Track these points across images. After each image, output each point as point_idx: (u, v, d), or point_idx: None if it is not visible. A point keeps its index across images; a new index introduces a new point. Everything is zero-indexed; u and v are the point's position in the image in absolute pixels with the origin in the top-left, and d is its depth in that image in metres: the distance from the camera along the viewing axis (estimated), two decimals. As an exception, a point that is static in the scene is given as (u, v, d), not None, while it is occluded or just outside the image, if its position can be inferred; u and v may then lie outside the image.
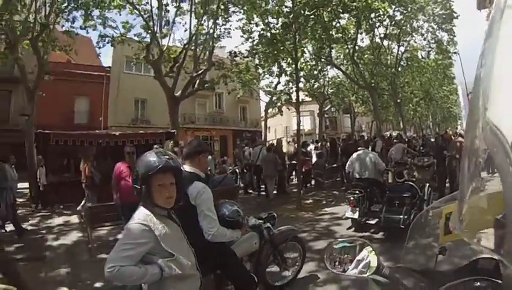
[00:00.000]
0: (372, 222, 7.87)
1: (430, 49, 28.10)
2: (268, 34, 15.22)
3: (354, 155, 9.24)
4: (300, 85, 22.81)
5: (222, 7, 17.63)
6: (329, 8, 15.44)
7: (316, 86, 30.03)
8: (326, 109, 35.09)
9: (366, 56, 26.60)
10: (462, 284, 1.36)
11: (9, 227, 9.52)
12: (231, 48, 21.94)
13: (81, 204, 10.19)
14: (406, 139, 20.33)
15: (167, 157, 2.45)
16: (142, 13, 17.36)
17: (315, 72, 26.81)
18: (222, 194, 7.54)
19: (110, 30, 18.98)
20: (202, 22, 18.04)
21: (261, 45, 17.33)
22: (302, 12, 12.68)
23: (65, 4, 17.30)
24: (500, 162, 0.92)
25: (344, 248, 1.71)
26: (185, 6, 18.47)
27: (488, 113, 0.96)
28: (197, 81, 18.58)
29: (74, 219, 11.16)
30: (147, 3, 17.39)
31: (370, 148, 12.03)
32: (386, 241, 7.16)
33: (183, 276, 2.42)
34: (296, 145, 15.75)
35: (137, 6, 17.26)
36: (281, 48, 14.24)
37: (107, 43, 18.91)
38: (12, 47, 15.02)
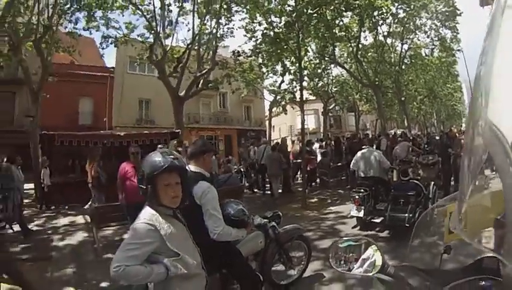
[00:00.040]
0: (377, 220, 7.86)
1: (433, 46, 28.02)
2: (272, 33, 15.20)
3: (359, 154, 9.25)
4: (304, 84, 22.82)
5: (225, 7, 17.60)
6: (332, 7, 15.45)
7: (320, 84, 29.97)
8: (330, 107, 35.04)
9: (369, 54, 26.52)
10: (467, 283, 1.36)
11: (16, 227, 9.55)
12: (234, 47, 21.96)
13: (88, 204, 10.23)
14: (411, 138, 20.28)
15: (172, 157, 2.46)
16: (145, 13, 17.37)
17: (319, 71, 26.76)
18: (227, 193, 7.57)
19: (113, 31, 18.96)
20: (205, 21, 18.01)
21: (265, 44, 17.33)
22: (305, 11, 12.64)
23: (68, 6, 17.34)
24: (500, 162, 0.92)
25: (349, 246, 1.71)
26: (188, 6, 18.47)
27: (488, 113, 0.97)
28: (201, 81, 18.59)
29: (80, 219, 11.19)
30: (150, 3, 17.39)
31: (374, 147, 12.01)
32: (391, 239, 7.15)
33: (189, 275, 2.43)
34: (300, 144, 15.73)
35: (140, 7, 17.27)
36: (285, 46, 14.24)
37: (111, 43, 18.92)
38: (15, 49, 15.08)
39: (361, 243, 1.69)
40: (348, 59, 27.73)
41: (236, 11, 18.42)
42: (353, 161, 9.44)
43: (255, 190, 15.96)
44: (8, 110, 27.59)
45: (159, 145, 8.56)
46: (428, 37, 27.05)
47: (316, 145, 17.97)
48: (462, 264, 1.57)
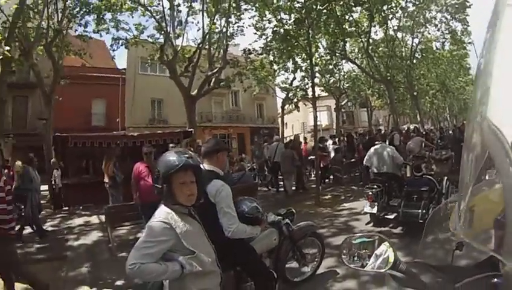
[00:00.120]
0: (391, 216, 7.82)
1: (444, 40, 27.71)
2: (282, 30, 15.16)
3: (372, 150, 9.20)
4: (316, 80, 22.75)
5: (234, 5, 17.61)
6: (342, 2, 15.35)
7: (331, 80, 29.88)
8: (342, 103, 34.84)
9: (380, 49, 26.30)
10: (479, 281, 1.36)
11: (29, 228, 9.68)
12: (245, 46, 22.05)
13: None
14: (424, 132, 20.13)
15: (187, 155, 2.49)
16: (154, 14, 17.49)
17: (330, 67, 26.68)
18: (241, 191, 7.57)
19: (123, 33, 19.11)
20: (215, 20, 18.06)
21: (275, 42, 17.26)
22: (314, 7, 12.59)
23: (77, 9, 17.50)
24: (500, 162, 0.93)
25: (362, 243, 1.72)
26: (197, 5, 18.57)
27: (488, 113, 0.97)
28: (213, 80, 18.61)
29: (94, 219, 11.32)
30: (159, 4, 17.51)
31: (387, 142, 11.95)
32: (404, 236, 7.13)
33: (204, 272, 2.46)
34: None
35: (149, 8, 17.37)
36: (295, 43, 14.20)
37: (121, 45, 19.11)
38: (26, 54, 15.22)
39: (374, 240, 1.69)
40: (359, 54, 27.54)
41: (246, 9, 18.44)
42: (366, 156, 9.39)
43: (269, 188, 15.97)
44: (21, 113, 27.99)
45: (171, 145, 8.71)
46: (438, 30, 26.78)
47: (330, 142, 17.90)
48: (474, 260, 1.55)
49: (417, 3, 23.38)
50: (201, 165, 2.72)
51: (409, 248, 5.09)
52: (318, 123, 13.53)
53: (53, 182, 13.21)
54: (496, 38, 1.00)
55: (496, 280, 1.32)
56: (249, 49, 20.52)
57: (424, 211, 6.89)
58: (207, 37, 18.01)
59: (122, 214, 8.37)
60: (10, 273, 5.03)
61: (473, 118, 1.10)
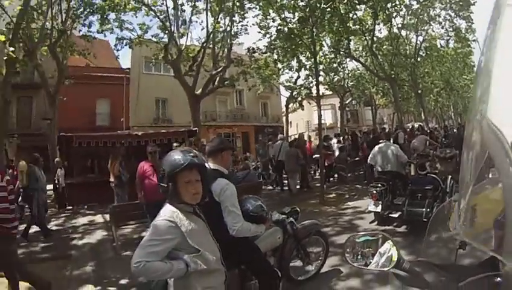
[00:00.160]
0: (395, 215, 7.80)
1: (448, 37, 27.65)
2: (286, 29, 15.13)
3: (376, 148, 9.18)
4: (320, 79, 22.71)
5: (238, 4, 17.56)
6: (345, 0, 15.34)
7: (335, 79, 29.86)
8: (347, 102, 34.82)
9: (384, 47, 26.28)
10: (482, 280, 1.36)
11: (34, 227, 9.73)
12: (249, 44, 22.03)
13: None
14: (428, 131, 20.08)
15: (192, 154, 2.50)
16: (158, 14, 17.50)
17: (334, 65, 26.64)
18: (245, 190, 7.57)
19: (127, 32, 19.13)
20: (219, 19, 18.03)
21: (279, 40, 17.24)
22: (318, 5, 12.55)
23: (81, 9, 17.55)
24: (500, 162, 0.93)
25: (366, 241, 1.72)
26: (201, 5, 18.60)
27: (488, 113, 0.97)
28: (217, 79, 18.64)
29: (99, 218, 11.35)
30: (163, 4, 17.50)
31: (392, 141, 11.94)
32: (409, 234, 7.11)
33: (209, 271, 2.47)
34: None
35: (153, 8, 17.38)
36: (299, 42, 14.18)
37: (125, 45, 19.13)
38: (31, 54, 15.28)
39: (377, 238, 1.69)
40: (363, 52, 27.54)
41: (250, 8, 18.38)
42: (370, 155, 9.39)
43: (274, 186, 15.98)
44: (26, 113, 28.11)
45: (175, 144, 8.72)
46: (442, 28, 26.76)
47: (334, 141, 17.88)
48: (478, 259, 1.55)
49: (421, 0, 23.33)
50: (206, 164, 2.73)
51: (413, 246, 5.08)
52: (322, 122, 13.54)
53: (56, 181, 13.23)
54: (496, 38, 1.01)
55: (499, 279, 1.31)
56: (253, 48, 20.52)
57: (428, 209, 6.88)
58: (211, 36, 18.03)
59: (126, 213, 8.39)
60: (14, 273, 5.06)
61: (473, 117, 1.10)
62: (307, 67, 20.63)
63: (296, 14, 14.31)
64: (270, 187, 15.93)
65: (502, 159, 0.91)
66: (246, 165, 14.65)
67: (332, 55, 24.62)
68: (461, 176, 1.19)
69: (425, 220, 6.60)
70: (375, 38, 23.66)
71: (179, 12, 18.35)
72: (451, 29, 26.48)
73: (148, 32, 18.99)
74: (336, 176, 16.45)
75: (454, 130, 25.14)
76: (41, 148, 15.73)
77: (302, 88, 26.67)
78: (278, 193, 14.52)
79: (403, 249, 1.61)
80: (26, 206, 11.43)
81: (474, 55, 32.50)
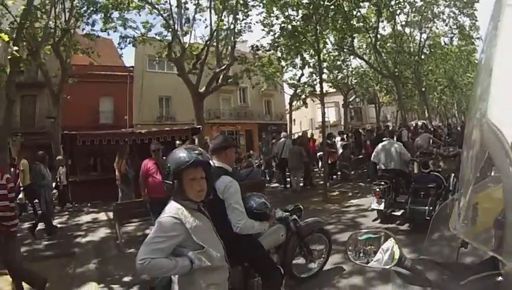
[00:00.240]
0: (398, 213, 7.80)
1: (452, 35, 27.62)
2: (289, 27, 15.11)
3: (379, 146, 9.17)
4: (324, 76, 22.70)
5: (241, 2, 17.51)
6: (349, -3, 15.34)
7: (339, 76, 29.78)
8: (350, 99, 34.71)
9: (388, 44, 26.22)
10: (484, 278, 1.36)
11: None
12: (253, 42, 21.90)
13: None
14: (432, 129, 20.05)
15: (197, 152, 2.52)
16: (162, 12, 17.44)
17: (338, 63, 26.65)
18: (249, 187, 7.60)
19: (130, 31, 19.17)
20: (222, 17, 17.99)
21: (283, 38, 17.25)
22: (322, 3, 12.54)
23: (84, 8, 17.57)
24: (500, 162, 0.93)
25: (368, 239, 1.72)
26: (204, 3, 18.53)
27: (488, 113, 0.97)
28: (221, 77, 18.61)
29: (102, 216, 11.41)
30: (166, 2, 17.47)
31: (395, 139, 11.93)
32: (411, 232, 7.10)
33: (213, 267, 2.48)
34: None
35: (156, 6, 17.34)
36: (303, 39, 14.18)
37: (129, 43, 19.11)
38: (34, 53, 15.31)
39: (380, 236, 1.68)
40: (367, 50, 27.46)
41: (253, 6, 18.33)
42: (374, 153, 9.37)
43: (277, 184, 16.00)
44: (30, 112, 28.16)
45: (177, 142, 8.77)
46: (446, 25, 26.71)
47: (338, 138, 17.86)
48: (479, 258, 1.55)
49: (425, -2, 23.27)
50: (210, 162, 2.74)
51: (416, 244, 5.07)
52: (326, 119, 13.51)
53: (58, 179, 13.27)
54: (496, 37, 1.01)
55: (500, 278, 1.32)
56: (257, 46, 20.51)
57: (431, 207, 6.86)
58: (215, 34, 17.99)
59: (130, 210, 8.44)
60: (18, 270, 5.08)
61: (473, 116, 1.10)
62: (311, 64, 20.71)
63: (300, 11, 14.30)
64: (274, 185, 15.93)
65: (502, 159, 0.91)
66: (250, 162, 14.67)
67: (336, 53, 24.64)
68: (461, 175, 1.19)
69: (428, 218, 6.59)
70: (378, 36, 23.61)
71: (183, 11, 18.33)
72: (455, 27, 26.45)
73: (151, 31, 18.94)
74: (339, 173, 16.43)
75: (458, 128, 25.09)
76: (45, 147, 15.68)
77: (306, 86, 26.66)
78: (281, 191, 14.54)
79: (405, 247, 1.60)
80: (29, 204, 11.59)
81: (478, 53, 32.34)
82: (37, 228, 9.42)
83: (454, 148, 11.22)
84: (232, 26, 18.43)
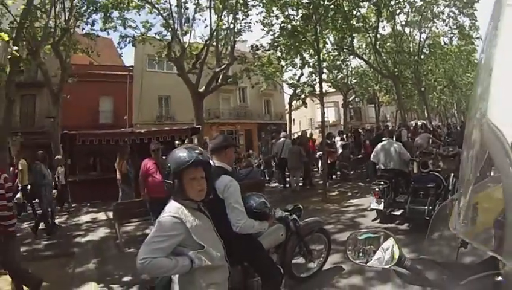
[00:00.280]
0: (397, 213, 7.81)
1: (452, 35, 27.58)
2: (289, 26, 15.11)
3: (379, 146, 9.18)
4: (324, 76, 22.69)
5: (241, 1, 17.50)
6: (349, -3, 15.35)
7: (339, 76, 29.75)
8: (350, 99, 34.69)
9: (388, 44, 26.20)
10: (484, 278, 1.35)
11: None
12: (252, 42, 21.86)
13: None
14: (431, 129, 20.06)
15: (198, 152, 2.53)
16: (162, 12, 17.43)
17: (338, 63, 26.60)
18: (249, 187, 7.61)
19: (130, 30, 19.19)
20: (222, 17, 17.98)
21: (282, 38, 17.26)
22: (322, 2, 12.56)
23: (84, 8, 17.57)
24: (500, 162, 0.93)
25: (368, 238, 1.72)
26: (204, 2, 18.49)
27: (488, 112, 0.97)
28: (220, 76, 18.58)
29: (101, 215, 11.41)
30: (166, 1, 17.45)
31: (394, 138, 11.94)
32: (411, 232, 7.11)
33: (213, 267, 2.49)
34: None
35: (156, 6, 17.33)
36: (303, 39, 14.20)
37: (128, 43, 19.10)
38: (34, 53, 15.30)
39: (379, 235, 1.68)
40: (367, 50, 27.44)
41: (253, 6, 18.33)
42: (373, 153, 9.38)
43: (276, 184, 16.01)
44: (29, 112, 28.14)
45: (177, 142, 8.78)
46: (446, 25, 26.66)
47: (337, 138, 17.86)
48: (479, 258, 1.54)
49: (424, -3, 23.27)
50: (210, 161, 2.74)
51: (415, 244, 5.08)
52: (325, 119, 13.52)
53: (56, 179, 13.26)
54: (496, 38, 1.01)
55: (500, 278, 1.32)
56: (257, 46, 20.52)
57: (430, 207, 6.86)
58: (214, 33, 17.97)
59: (129, 210, 8.44)
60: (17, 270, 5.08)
61: (473, 115, 1.10)
62: (310, 64, 20.71)
63: (300, 11, 14.30)
64: (273, 185, 15.94)
65: (502, 159, 0.91)
66: (249, 162, 14.67)
67: (336, 53, 24.61)
68: (461, 174, 1.19)
69: (427, 218, 6.59)
70: (378, 36, 23.60)
71: (182, 10, 18.33)
72: (454, 27, 26.42)
73: (151, 30, 18.92)
74: (338, 173, 16.44)
75: (458, 128, 25.09)
76: (45, 147, 15.67)
77: (306, 85, 26.60)
78: (281, 191, 14.54)
79: (404, 247, 1.60)
80: (28, 204, 11.61)
81: (478, 53, 32.33)
82: (39, 227, 9.45)
83: (453, 148, 11.24)
84: (231, 26, 18.42)
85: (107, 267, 6.60)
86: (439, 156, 10.83)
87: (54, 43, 16.66)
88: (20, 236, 8.38)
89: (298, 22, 14.33)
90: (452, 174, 7.96)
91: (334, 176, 16.27)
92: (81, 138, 13.46)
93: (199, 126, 16.35)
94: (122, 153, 10.44)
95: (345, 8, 16.82)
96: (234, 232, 3.40)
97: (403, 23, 25.64)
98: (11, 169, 11.63)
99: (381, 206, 7.92)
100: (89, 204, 13.32)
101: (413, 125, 23.89)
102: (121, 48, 19.96)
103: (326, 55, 22.97)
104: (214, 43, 18.41)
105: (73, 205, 13.52)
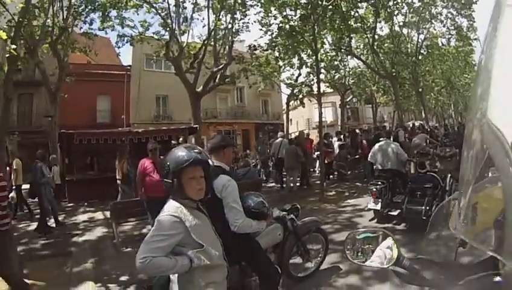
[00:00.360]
0: (394, 213, 7.83)
1: (450, 36, 27.61)
2: (287, 26, 15.14)
3: (376, 146, 9.21)
4: (321, 76, 22.67)
5: (239, 1, 17.48)
6: (347, -2, 15.36)
7: (336, 77, 29.78)
8: (347, 99, 34.73)
9: (386, 45, 26.21)
10: (482, 278, 1.35)
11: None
12: (250, 42, 21.93)
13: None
14: (428, 129, 20.09)
15: (197, 151, 2.53)
16: (160, 11, 17.42)
17: (335, 63, 26.63)
18: (246, 187, 7.60)
19: (128, 30, 19.12)
20: (220, 17, 17.97)
21: (280, 38, 17.26)
22: (320, 3, 12.58)
23: (82, 7, 17.56)
24: (500, 162, 0.93)
25: (367, 238, 1.72)
26: (202, 2, 18.54)
27: (488, 112, 0.97)
28: (218, 76, 18.56)
29: (99, 215, 11.39)
30: (164, 1, 17.43)
31: (392, 139, 11.96)
32: (408, 232, 7.13)
33: (212, 266, 2.49)
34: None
35: (154, 5, 17.31)
36: (301, 39, 14.21)
37: (126, 42, 19.11)
38: (32, 52, 15.25)
39: (378, 235, 1.68)
40: (364, 50, 27.45)
41: (251, 6, 18.33)
42: (370, 153, 9.41)
43: (273, 183, 16.02)
44: (27, 111, 28.09)
45: (173, 142, 8.79)
46: (444, 26, 26.64)
47: (335, 138, 17.86)
48: (478, 258, 1.55)
49: (423, -2, 23.30)
50: (209, 161, 2.74)
51: (412, 244, 5.07)
52: (323, 119, 13.55)
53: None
54: (496, 38, 1.01)
55: (498, 278, 1.31)
56: (255, 45, 20.55)
57: (427, 207, 6.89)
58: (212, 33, 17.97)
59: (127, 209, 8.44)
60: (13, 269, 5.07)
61: (473, 115, 1.10)
62: (308, 64, 20.69)
63: (298, 11, 14.32)
64: (270, 184, 15.95)
65: (502, 159, 0.91)
66: (247, 162, 14.67)
67: (334, 53, 24.63)
68: (461, 174, 1.19)
69: (424, 218, 6.62)
70: (376, 36, 23.61)
71: (181, 10, 18.35)
72: (452, 28, 26.42)
73: (149, 30, 18.91)
74: (335, 173, 16.45)
75: (455, 129, 25.15)
76: (42, 146, 15.71)
77: (303, 86, 26.59)
78: (278, 190, 14.55)
79: (401, 247, 1.60)
80: (22, 203, 11.61)
81: (476, 54, 32.32)
82: (30, 228, 9.48)
83: (450, 149, 11.27)
84: (229, 26, 18.39)
85: (104, 267, 6.58)
86: (436, 157, 10.86)
87: (51, 42, 16.63)
88: (17, 236, 8.37)
89: (296, 22, 14.35)
90: (449, 175, 8.01)
91: (331, 176, 16.27)
92: (78, 137, 13.42)
93: (197, 126, 16.34)
94: (122, 153, 10.44)
95: (343, 9, 16.85)
96: (232, 231, 3.40)
97: (401, 24, 25.65)
98: (8, 169, 11.61)
99: (378, 206, 7.94)
100: (86, 203, 13.27)
101: (411, 126, 23.92)
102: (118, 47, 20.08)
103: (324, 55, 22.98)
104: (212, 43, 18.39)
105: (70, 205, 13.48)
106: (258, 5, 18.23)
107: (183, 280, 2.46)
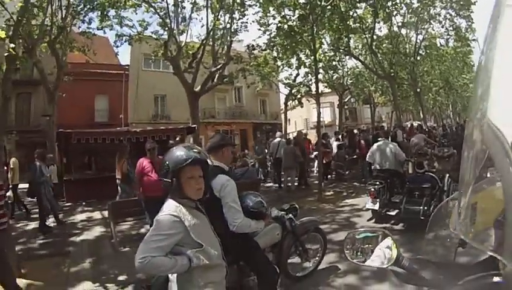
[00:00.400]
0: (393, 213, 7.85)
1: (448, 36, 27.59)
2: (286, 26, 15.11)
3: (374, 146, 9.22)
4: (320, 76, 22.67)
5: (238, 1, 17.49)
6: (346, -2, 15.36)
7: (335, 77, 29.69)
8: (346, 100, 34.71)
9: (384, 45, 26.18)
10: (481, 279, 1.35)
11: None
12: (249, 42, 21.94)
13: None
14: (426, 130, 20.11)
15: (196, 150, 2.53)
16: (158, 11, 17.39)
17: (334, 63, 26.53)
18: (244, 186, 7.61)
19: (126, 29, 19.15)
20: (219, 17, 17.97)
21: (279, 38, 17.24)
22: (319, 3, 12.57)
23: (81, 6, 17.53)
24: (500, 162, 0.93)
25: (366, 238, 1.72)
26: (201, 1, 18.52)
27: (488, 112, 0.97)
28: (216, 76, 18.55)
29: (97, 214, 11.37)
30: (162, 0, 17.42)
31: (390, 139, 11.97)
32: (406, 232, 7.14)
33: (210, 266, 2.49)
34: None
35: (153, 4, 17.29)
36: (299, 39, 14.21)
37: (125, 42, 19.07)
38: (30, 51, 15.24)
39: (377, 235, 1.69)
40: (363, 51, 27.44)
41: (250, 5, 18.32)
42: (369, 153, 9.42)
43: (271, 183, 16.03)
44: (25, 110, 28.03)
45: (170, 142, 8.78)
46: (443, 27, 26.59)
47: (333, 138, 17.85)
48: (477, 258, 1.55)
49: (422, -1, 23.29)
50: (208, 161, 2.74)
51: (410, 244, 5.08)
52: (321, 119, 13.53)
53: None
54: (496, 38, 1.01)
55: (498, 278, 1.32)
56: (253, 45, 20.54)
57: (425, 208, 6.91)
58: (211, 33, 17.95)
59: (125, 209, 8.42)
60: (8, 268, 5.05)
61: (473, 116, 1.10)
62: (307, 64, 20.66)
63: (297, 11, 14.29)
64: (268, 184, 15.96)
65: (502, 159, 0.91)
66: (245, 162, 14.67)
67: (332, 53, 24.59)
68: (461, 174, 1.19)
69: (422, 218, 6.64)
70: (375, 37, 23.56)
71: (179, 9, 18.31)
72: (451, 28, 26.38)
73: (147, 29, 18.90)
74: (333, 173, 16.46)
75: (453, 129, 25.16)
76: (40, 145, 15.68)
77: (302, 86, 26.60)
78: (276, 190, 14.54)
79: (399, 247, 1.60)
80: (17, 202, 11.61)
81: (474, 55, 32.40)
82: (29, 227, 9.46)
83: (448, 149, 11.29)
84: (228, 26, 18.37)
85: (102, 267, 6.57)
86: (434, 157, 10.88)
87: (50, 41, 16.62)
88: (15, 235, 8.36)
89: (295, 22, 14.32)
90: (447, 175, 8.01)
91: (329, 176, 16.28)
92: (76, 137, 13.40)
93: (195, 125, 16.33)
94: (122, 152, 10.43)
95: (342, 9, 16.87)
96: (230, 231, 3.41)
97: (400, 24, 25.62)
98: (6, 168, 11.59)
99: (376, 206, 7.95)
100: (84, 203, 13.25)
101: (409, 126, 23.94)
102: (117, 47, 19.98)
103: (322, 55, 22.98)
104: (211, 43, 18.38)
105: (67, 204, 13.44)
106: (256, 5, 18.25)
107: (182, 279, 2.46)
